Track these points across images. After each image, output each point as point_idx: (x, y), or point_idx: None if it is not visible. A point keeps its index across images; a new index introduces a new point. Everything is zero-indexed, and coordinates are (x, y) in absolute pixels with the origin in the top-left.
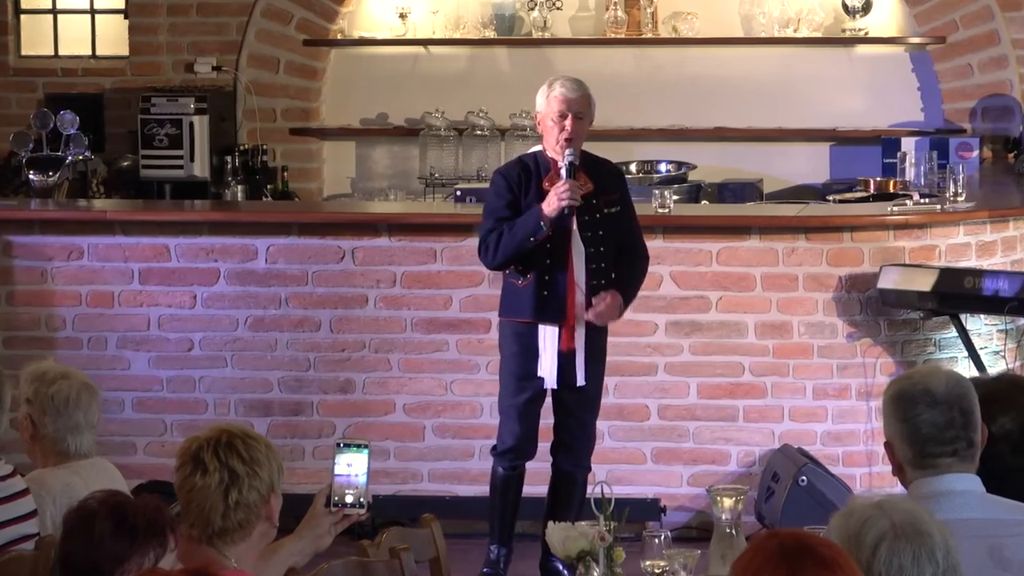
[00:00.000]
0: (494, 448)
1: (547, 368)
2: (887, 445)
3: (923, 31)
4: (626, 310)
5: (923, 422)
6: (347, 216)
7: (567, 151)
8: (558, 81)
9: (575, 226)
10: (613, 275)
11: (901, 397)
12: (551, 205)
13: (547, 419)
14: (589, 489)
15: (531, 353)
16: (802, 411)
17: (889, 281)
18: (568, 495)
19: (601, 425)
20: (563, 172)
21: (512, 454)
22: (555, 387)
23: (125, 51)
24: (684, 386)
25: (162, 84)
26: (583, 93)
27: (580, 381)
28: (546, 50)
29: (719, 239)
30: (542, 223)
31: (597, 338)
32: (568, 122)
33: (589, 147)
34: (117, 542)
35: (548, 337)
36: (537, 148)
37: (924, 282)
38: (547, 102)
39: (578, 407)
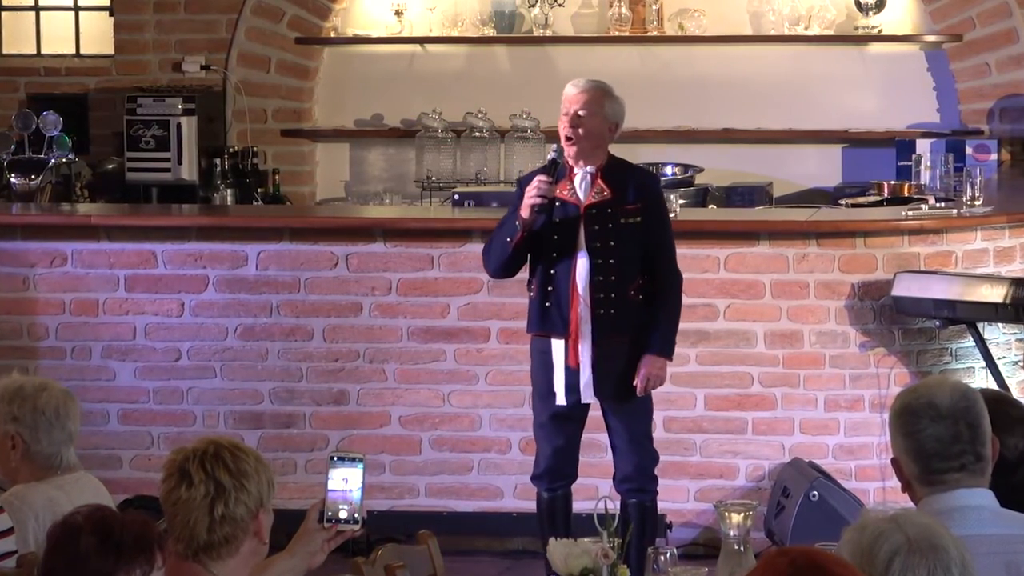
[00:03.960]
0: (533, 473)
1: (559, 384)
2: (894, 462)
3: (939, 28)
4: (672, 352)
5: (927, 437)
6: (341, 221)
7: (552, 148)
8: (570, 82)
9: (582, 235)
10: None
11: (905, 411)
12: (524, 205)
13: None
14: (591, 504)
15: (549, 368)
16: (813, 423)
17: (904, 288)
18: (637, 520)
19: (604, 438)
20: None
21: (548, 477)
22: (564, 404)
23: (110, 49)
24: (691, 397)
25: (148, 84)
26: (583, 89)
27: (585, 398)
28: (547, 48)
29: (727, 245)
30: (516, 223)
31: (614, 353)
32: (565, 120)
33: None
34: (102, 559)
35: (558, 351)
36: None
37: (940, 289)
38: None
39: (619, 425)
